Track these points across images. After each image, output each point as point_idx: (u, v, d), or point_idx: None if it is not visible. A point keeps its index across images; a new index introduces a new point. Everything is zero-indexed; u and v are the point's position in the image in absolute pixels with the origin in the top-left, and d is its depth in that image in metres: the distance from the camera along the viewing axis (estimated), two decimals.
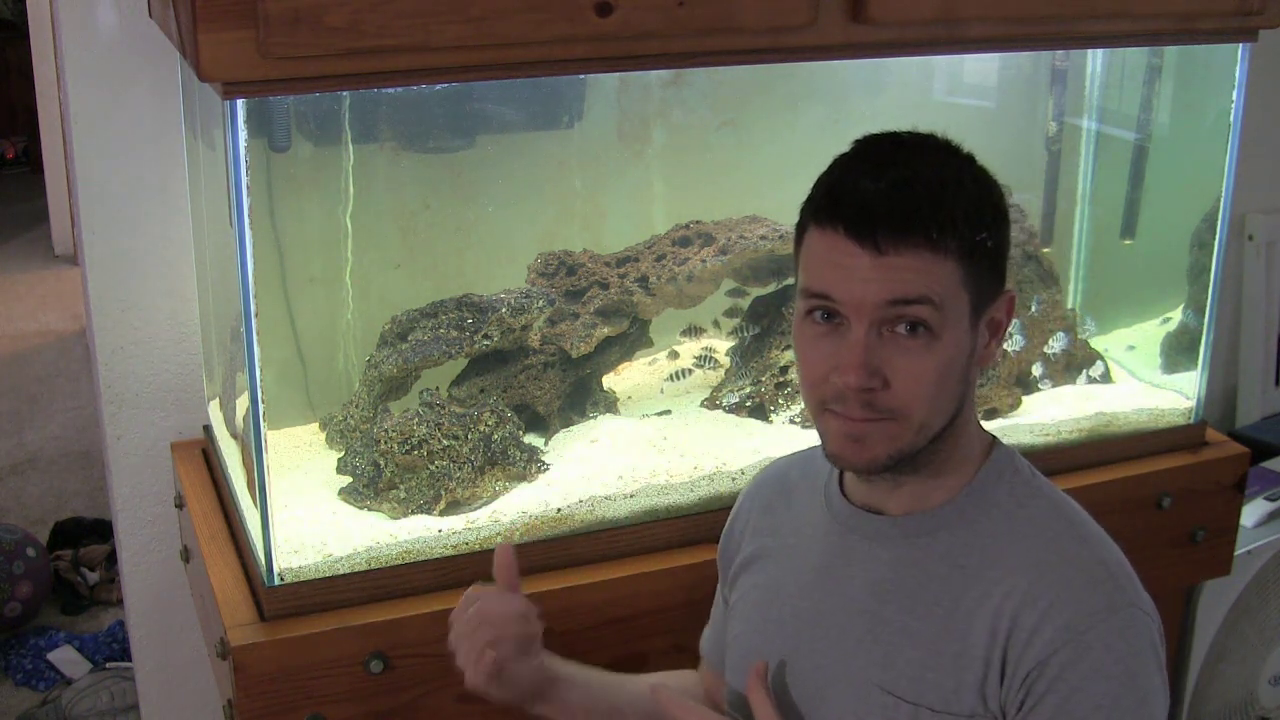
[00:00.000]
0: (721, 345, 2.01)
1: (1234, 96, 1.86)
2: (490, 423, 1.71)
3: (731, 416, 1.90)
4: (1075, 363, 2.07)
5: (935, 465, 1.17)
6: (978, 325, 1.14)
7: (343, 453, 1.79)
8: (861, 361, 1.09)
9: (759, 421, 1.89)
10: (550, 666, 1.31)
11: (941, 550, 1.16)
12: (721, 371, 1.97)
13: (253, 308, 1.43)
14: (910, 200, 1.08)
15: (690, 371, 1.97)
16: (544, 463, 1.74)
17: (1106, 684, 1.06)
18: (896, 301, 1.08)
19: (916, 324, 1.08)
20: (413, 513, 1.66)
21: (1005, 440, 1.24)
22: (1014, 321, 1.85)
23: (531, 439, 1.81)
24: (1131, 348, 2.19)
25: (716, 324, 2.02)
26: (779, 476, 1.37)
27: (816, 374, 1.13)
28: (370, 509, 1.68)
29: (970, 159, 1.15)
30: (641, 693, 1.34)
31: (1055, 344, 2.03)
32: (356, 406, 1.82)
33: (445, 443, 1.69)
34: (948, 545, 1.16)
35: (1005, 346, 1.98)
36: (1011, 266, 2.01)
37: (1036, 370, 2.03)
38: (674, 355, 2.03)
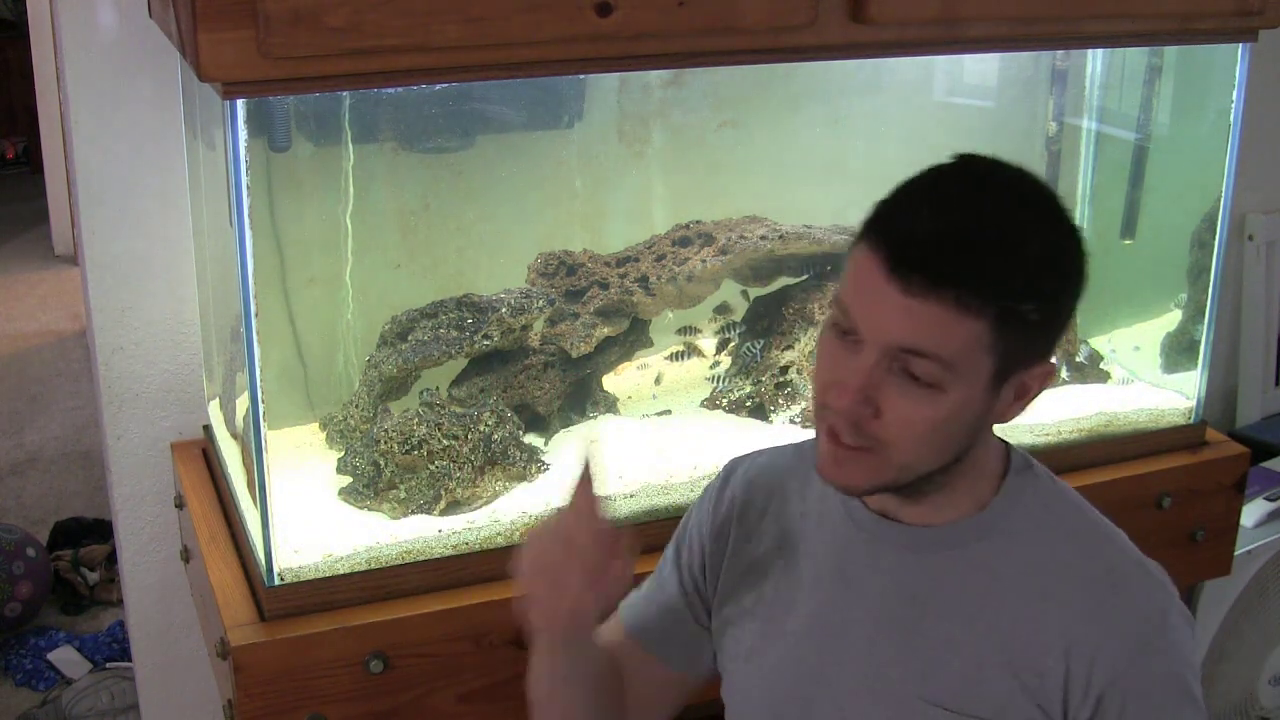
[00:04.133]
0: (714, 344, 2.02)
1: (1234, 96, 1.86)
2: (490, 423, 1.71)
3: (731, 416, 1.90)
4: (1075, 363, 2.07)
5: (945, 489, 1.15)
6: (1000, 387, 1.08)
7: (343, 453, 1.79)
8: (859, 388, 1.06)
9: (759, 421, 1.89)
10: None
11: (977, 559, 1.15)
12: (712, 359, 1.96)
13: (253, 308, 1.43)
14: (955, 251, 1.02)
15: (689, 354, 1.98)
16: (544, 463, 1.74)
17: (1173, 683, 1.10)
18: (907, 350, 1.04)
19: (921, 374, 1.05)
20: (413, 513, 1.66)
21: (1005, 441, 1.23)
22: None
23: (531, 439, 1.81)
24: (1137, 348, 2.18)
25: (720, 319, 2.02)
26: (769, 471, 1.31)
27: (823, 381, 1.11)
28: (370, 509, 1.68)
29: (1051, 213, 1.08)
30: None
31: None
32: (356, 406, 1.82)
33: (445, 443, 1.69)
34: (983, 554, 1.15)
35: None
36: None
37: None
38: (677, 357, 2.03)
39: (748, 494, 1.31)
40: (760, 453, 1.35)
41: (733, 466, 1.35)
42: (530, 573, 1.17)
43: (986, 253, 1.03)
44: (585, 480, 1.18)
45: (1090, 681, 1.09)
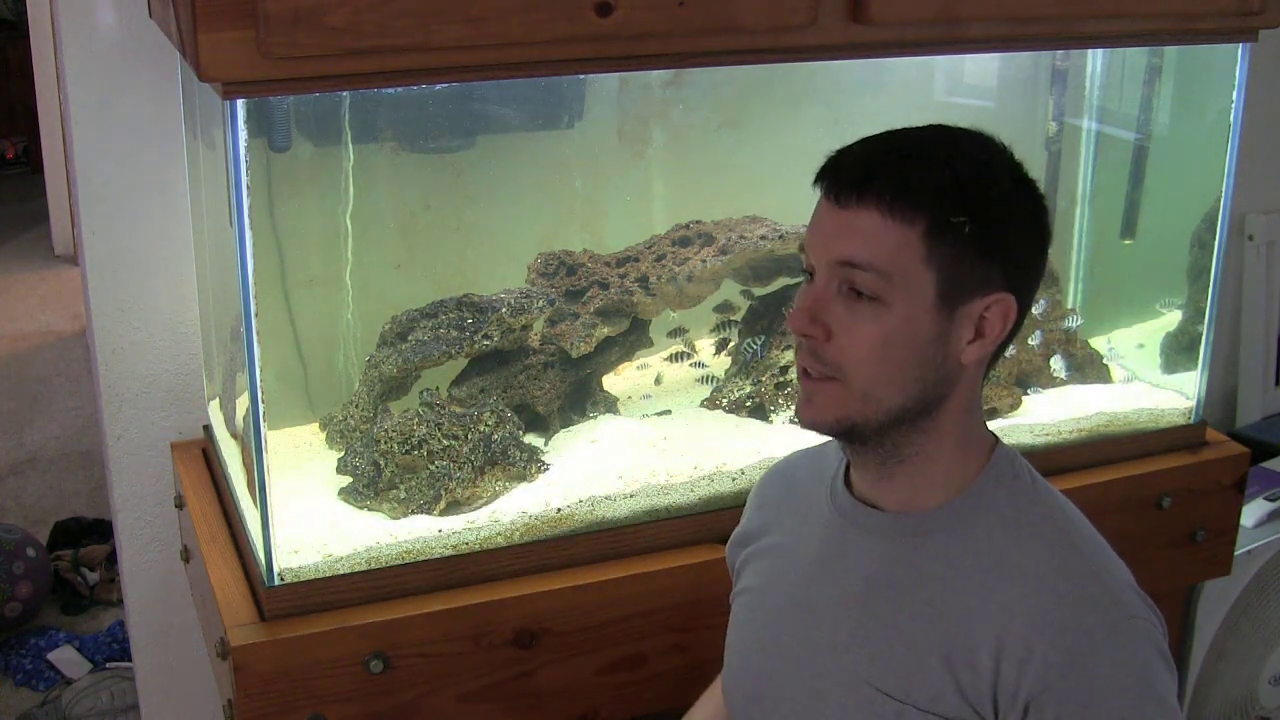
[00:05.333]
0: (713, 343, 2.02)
1: (1234, 96, 1.86)
2: (490, 423, 1.71)
3: (731, 416, 1.90)
4: (1075, 363, 2.08)
5: (920, 458, 1.16)
6: (952, 314, 1.10)
7: (343, 453, 1.79)
8: (807, 309, 1.12)
9: (759, 421, 1.89)
10: None
11: (937, 550, 1.15)
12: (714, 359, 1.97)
13: (253, 308, 1.43)
14: (876, 162, 1.10)
15: (690, 355, 1.97)
16: (544, 463, 1.74)
17: (1123, 698, 1.06)
18: (844, 263, 1.10)
19: (864, 287, 1.10)
20: (413, 513, 1.66)
21: (1005, 440, 1.23)
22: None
23: (531, 439, 1.81)
24: (1141, 345, 2.18)
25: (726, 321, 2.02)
26: (787, 469, 1.37)
27: (790, 324, 1.16)
28: (370, 509, 1.68)
29: (1000, 152, 1.13)
30: None
31: (1056, 364, 2.03)
32: (356, 406, 1.82)
33: (445, 443, 1.69)
34: (944, 546, 1.15)
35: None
36: None
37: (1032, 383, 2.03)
38: (676, 358, 2.03)
39: (773, 480, 1.39)
40: (797, 451, 1.41)
41: (782, 460, 1.42)
42: None
43: (913, 161, 1.09)
44: None
45: (1019, 685, 1.07)
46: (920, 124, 1.17)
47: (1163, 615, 1.13)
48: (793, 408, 1.89)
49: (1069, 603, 1.09)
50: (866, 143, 1.13)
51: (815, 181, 1.14)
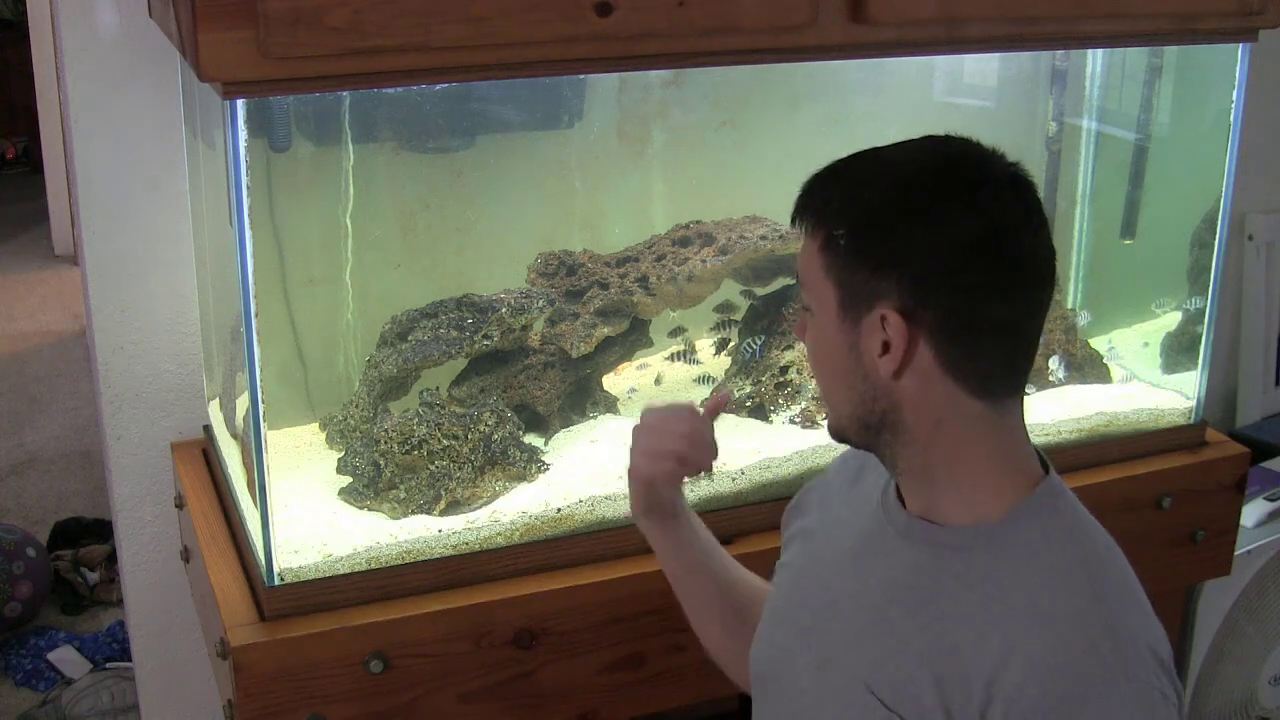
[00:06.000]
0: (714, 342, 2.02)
1: (1234, 96, 1.86)
2: (490, 423, 1.71)
3: (731, 416, 1.90)
4: (1075, 363, 2.08)
5: (916, 471, 1.15)
6: (856, 326, 1.11)
7: (343, 453, 1.79)
8: (796, 331, 1.24)
9: (759, 421, 1.89)
10: (681, 502, 1.42)
11: (959, 569, 1.13)
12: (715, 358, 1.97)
13: (253, 308, 1.43)
14: (812, 184, 1.16)
15: (691, 353, 1.98)
16: (544, 463, 1.74)
17: None
18: (798, 279, 1.20)
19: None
20: (413, 513, 1.66)
21: None
22: None
23: (531, 439, 1.81)
24: (1146, 344, 2.18)
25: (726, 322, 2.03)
26: (862, 458, 1.33)
27: None
28: (370, 509, 1.68)
29: (933, 163, 1.12)
30: (732, 577, 1.45)
31: (1054, 365, 2.03)
32: (356, 406, 1.82)
33: (445, 443, 1.69)
34: (966, 566, 1.13)
35: None
36: None
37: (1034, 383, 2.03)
38: (678, 357, 2.03)
39: (843, 467, 1.39)
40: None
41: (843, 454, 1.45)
42: (642, 426, 1.37)
43: (826, 180, 1.16)
44: (715, 407, 1.39)
45: (1006, 716, 1.04)
46: (918, 125, 1.17)
47: (1180, 694, 1.09)
48: (792, 408, 1.89)
49: (1072, 652, 1.05)
50: (823, 170, 1.19)
51: None
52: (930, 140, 1.16)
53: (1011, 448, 1.17)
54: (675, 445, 1.34)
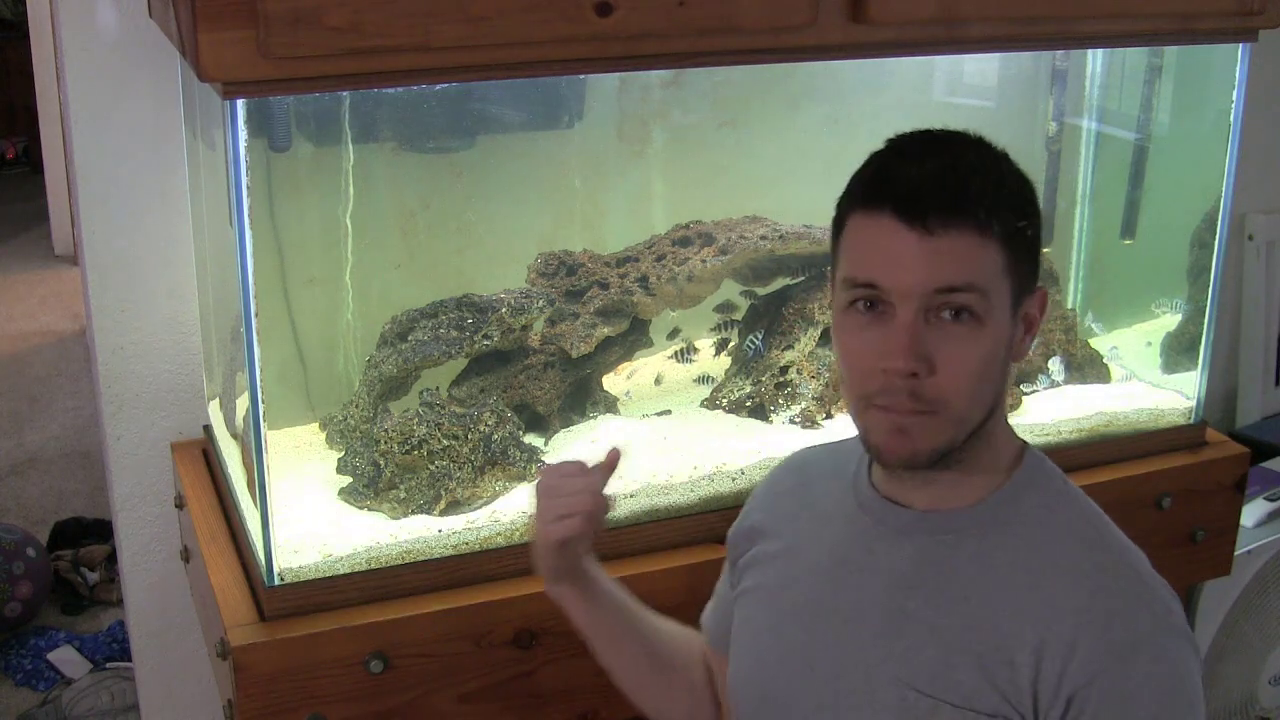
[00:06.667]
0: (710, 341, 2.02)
1: (1234, 96, 1.86)
2: (490, 423, 1.71)
3: (731, 416, 1.90)
4: (1075, 363, 2.08)
5: (968, 462, 1.16)
6: (1016, 316, 1.13)
7: (343, 453, 1.79)
8: (908, 346, 1.07)
9: (759, 421, 1.89)
10: (591, 564, 1.34)
11: (971, 550, 1.15)
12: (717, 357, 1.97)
13: (253, 308, 1.43)
14: (960, 181, 1.07)
15: (693, 352, 1.97)
16: (544, 463, 1.74)
17: (1161, 695, 1.06)
18: (944, 289, 1.07)
19: (962, 310, 1.07)
20: (413, 513, 1.66)
21: None
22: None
23: (531, 439, 1.81)
24: (1149, 344, 2.18)
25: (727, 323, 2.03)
26: (799, 467, 1.36)
27: (862, 366, 1.12)
28: (370, 509, 1.68)
29: (1005, 153, 1.15)
30: (654, 628, 1.39)
31: (1053, 367, 2.03)
32: (356, 406, 1.82)
33: (445, 443, 1.69)
34: (977, 545, 1.15)
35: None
36: None
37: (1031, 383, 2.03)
38: (680, 356, 2.03)
39: (769, 488, 1.37)
40: (798, 450, 1.40)
41: (773, 468, 1.41)
42: (537, 492, 1.28)
43: (980, 179, 1.08)
44: (610, 464, 1.30)
45: (1062, 681, 1.07)
46: (918, 125, 1.17)
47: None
48: (792, 408, 1.89)
49: (1114, 598, 1.10)
50: (915, 162, 1.11)
51: (865, 210, 1.11)
52: (952, 130, 1.15)
53: (1007, 423, 1.20)
54: (580, 503, 1.25)
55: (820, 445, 1.37)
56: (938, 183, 1.07)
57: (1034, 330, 1.16)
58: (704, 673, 1.41)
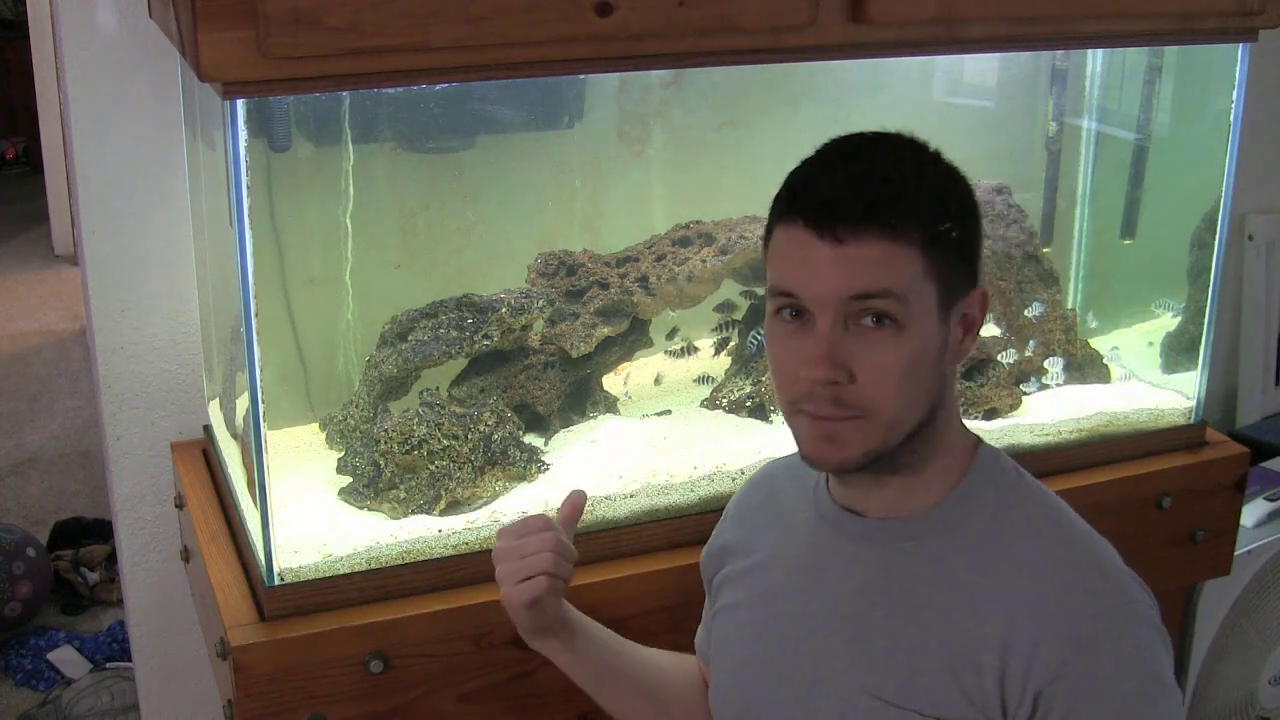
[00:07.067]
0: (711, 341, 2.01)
1: (1234, 96, 1.86)
2: (490, 423, 1.71)
3: (731, 416, 1.90)
4: (1075, 363, 2.08)
5: (916, 465, 1.16)
6: (948, 319, 1.12)
7: (343, 453, 1.79)
8: (825, 354, 1.08)
9: (759, 421, 1.89)
10: (568, 612, 1.32)
11: (929, 555, 1.15)
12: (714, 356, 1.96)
13: (253, 308, 1.43)
14: (868, 190, 1.08)
15: (693, 350, 1.97)
16: (544, 463, 1.74)
17: (1130, 682, 1.06)
18: (859, 295, 1.07)
19: (881, 316, 1.08)
20: (413, 513, 1.66)
21: (1006, 441, 1.24)
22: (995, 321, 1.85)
23: (531, 439, 1.81)
24: (1151, 344, 2.18)
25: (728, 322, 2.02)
26: (766, 480, 1.37)
27: (786, 372, 1.13)
28: (370, 509, 1.68)
29: (936, 153, 1.14)
30: (642, 661, 1.38)
31: (1052, 367, 2.03)
32: (356, 406, 1.82)
33: (445, 443, 1.69)
34: (936, 550, 1.15)
35: (1013, 349, 1.98)
36: (1011, 266, 2.01)
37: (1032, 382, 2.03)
38: (681, 353, 2.02)
39: (738, 506, 1.38)
40: (766, 463, 1.40)
41: (760, 472, 1.40)
42: (498, 557, 1.27)
43: (897, 185, 1.09)
44: (571, 512, 1.31)
45: (1027, 680, 1.07)
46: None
47: (1155, 598, 1.14)
48: None
49: (1072, 593, 1.09)
50: (830, 170, 1.12)
51: (782, 222, 1.12)
52: (882, 133, 1.16)
53: (959, 422, 1.19)
54: (541, 562, 1.24)
55: (785, 457, 1.36)
56: (849, 191, 1.08)
57: (974, 330, 1.15)
58: (703, 694, 1.40)
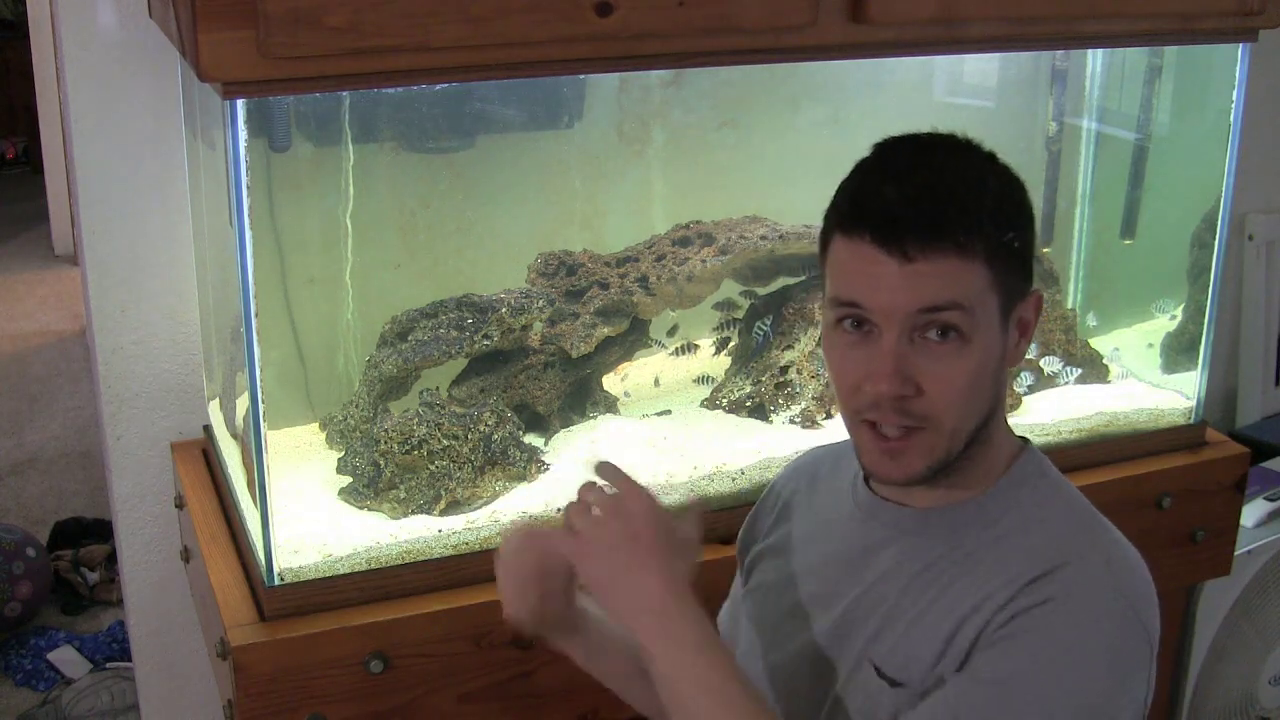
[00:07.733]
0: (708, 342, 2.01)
1: (1234, 96, 1.86)
2: (490, 423, 1.71)
3: (731, 416, 1.90)
4: (1075, 363, 2.07)
5: (966, 467, 1.16)
6: (1007, 325, 1.13)
7: (343, 453, 1.79)
8: (893, 370, 1.08)
9: (759, 421, 1.89)
10: (577, 613, 1.29)
11: (968, 547, 1.15)
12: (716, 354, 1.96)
13: (253, 308, 1.43)
14: (937, 206, 1.07)
15: (694, 349, 1.97)
16: (544, 463, 1.74)
17: (1052, 647, 1.04)
18: (926, 309, 1.07)
19: (947, 329, 1.08)
20: (413, 513, 1.66)
21: None
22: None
23: (531, 439, 1.81)
24: (1151, 345, 2.18)
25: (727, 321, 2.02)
26: (811, 466, 1.36)
27: (849, 383, 1.12)
28: (370, 509, 1.68)
29: (991, 157, 1.14)
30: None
31: (1051, 367, 2.03)
32: (356, 406, 1.82)
33: (445, 443, 1.69)
34: (974, 542, 1.15)
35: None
36: None
37: (1028, 380, 2.03)
38: (682, 351, 2.02)
39: (782, 487, 1.37)
40: (812, 449, 1.40)
41: (787, 465, 1.41)
42: (499, 567, 1.22)
43: (963, 199, 1.08)
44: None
45: (989, 624, 1.07)
46: (918, 126, 1.16)
47: (1159, 630, 1.11)
48: (792, 408, 1.89)
49: (1064, 566, 1.08)
50: (895, 182, 1.10)
51: (844, 235, 1.10)
52: (938, 136, 1.14)
53: (1005, 415, 1.19)
54: (531, 581, 1.20)
55: (827, 446, 1.38)
56: (915, 208, 1.07)
57: (1029, 333, 1.16)
58: None
